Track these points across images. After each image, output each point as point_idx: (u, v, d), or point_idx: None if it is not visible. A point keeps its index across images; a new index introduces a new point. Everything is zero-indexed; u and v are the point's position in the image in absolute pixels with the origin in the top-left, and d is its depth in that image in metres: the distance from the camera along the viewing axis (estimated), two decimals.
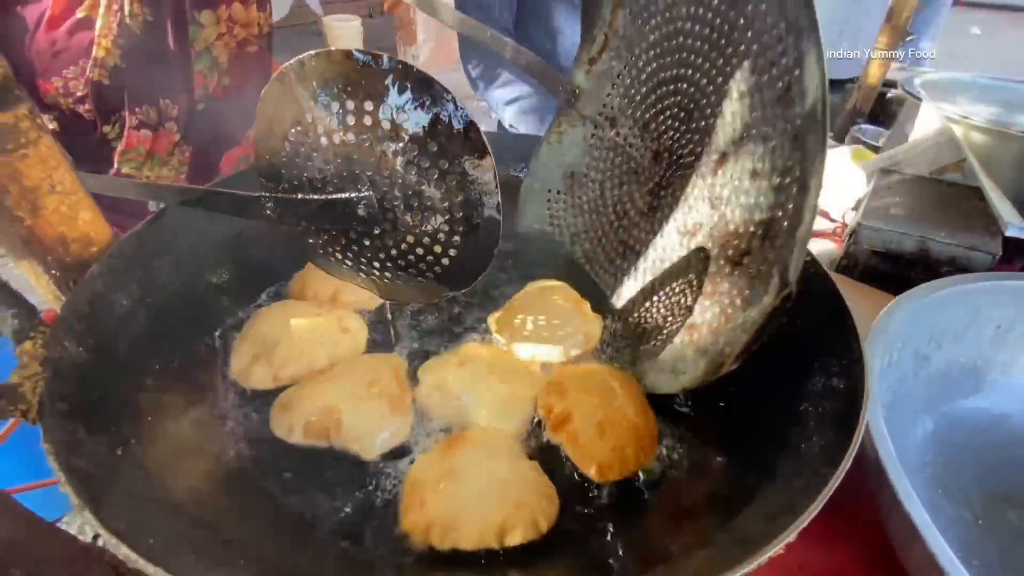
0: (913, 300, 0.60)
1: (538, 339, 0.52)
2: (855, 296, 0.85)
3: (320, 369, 0.40)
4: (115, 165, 0.71)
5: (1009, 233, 0.82)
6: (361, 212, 0.33)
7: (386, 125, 0.32)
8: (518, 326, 0.53)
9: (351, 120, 0.32)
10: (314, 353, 0.40)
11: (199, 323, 0.39)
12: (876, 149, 1.26)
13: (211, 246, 0.42)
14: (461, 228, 0.33)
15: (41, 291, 0.35)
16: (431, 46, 4.46)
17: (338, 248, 0.36)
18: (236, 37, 0.75)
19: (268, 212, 0.35)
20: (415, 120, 0.31)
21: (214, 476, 0.30)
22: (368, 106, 0.32)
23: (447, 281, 0.35)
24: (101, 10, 0.62)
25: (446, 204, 0.32)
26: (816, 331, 0.43)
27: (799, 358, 0.42)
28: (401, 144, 0.32)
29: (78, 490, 0.20)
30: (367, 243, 0.35)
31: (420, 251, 0.35)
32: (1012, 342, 0.65)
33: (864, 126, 1.40)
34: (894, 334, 0.58)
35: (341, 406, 0.36)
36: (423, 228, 0.34)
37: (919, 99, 1.05)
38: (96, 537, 1.19)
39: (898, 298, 0.60)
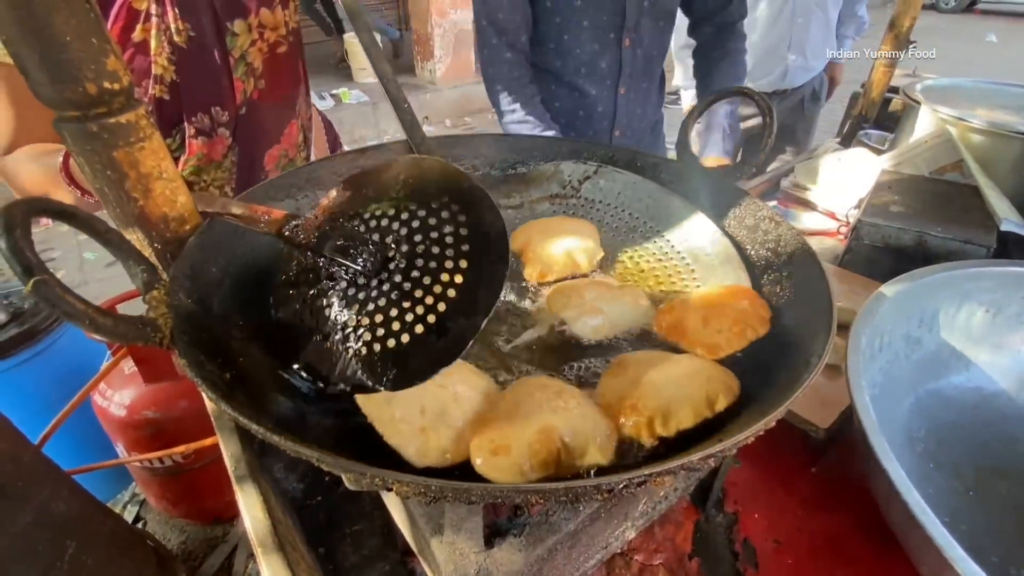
0: (901, 286, 0.65)
1: None
2: (856, 287, 0.90)
3: None
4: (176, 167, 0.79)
5: (1004, 228, 0.86)
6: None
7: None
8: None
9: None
10: None
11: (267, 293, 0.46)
12: (880, 153, 1.31)
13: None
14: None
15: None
16: (448, 61, 4.61)
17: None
18: (267, 41, 0.81)
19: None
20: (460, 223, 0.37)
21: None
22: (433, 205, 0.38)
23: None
24: (153, 31, 0.69)
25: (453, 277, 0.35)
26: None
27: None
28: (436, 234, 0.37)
29: (211, 390, 0.27)
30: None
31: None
32: (1000, 324, 0.69)
33: (870, 131, 1.45)
34: (883, 317, 0.63)
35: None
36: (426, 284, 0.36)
37: (918, 103, 1.09)
38: (138, 520, 1.28)
39: (886, 284, 0.64)
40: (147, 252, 0.41)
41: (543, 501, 0.31)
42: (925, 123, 1.09)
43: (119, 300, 1.35)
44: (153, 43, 0.70)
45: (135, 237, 0.41)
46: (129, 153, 0.38)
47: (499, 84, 1.09)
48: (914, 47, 1.37)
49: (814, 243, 1.05)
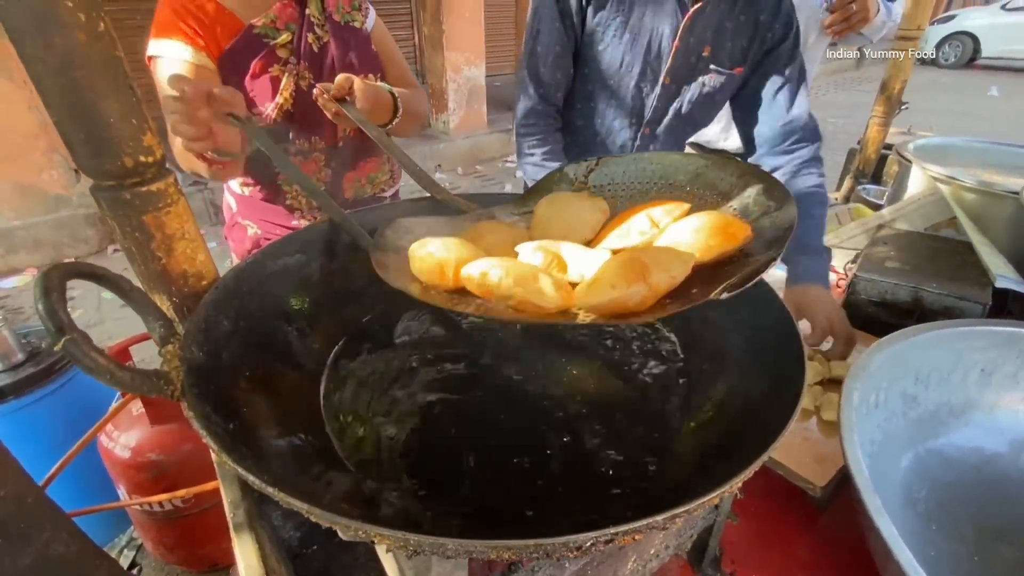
0: (894, 343, 0.66)
1: None
2: (856, 343, 0.91)
3: None
4: (276, 175, 1.03)
5: (999, 285, 0.87)
6: None
7: None
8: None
9: None
10: None
11: (276, 345, 0.49)
12: (878, 207, 1.34)
13: (293, 286, 0.52)
14: None
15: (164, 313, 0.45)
16: (461, 114, 4.83)
17: None
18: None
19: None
20: None
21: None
22: None
23: None
24: (286, 73, 0.94)
25: None
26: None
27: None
28: None
29: (216, 441, 0.29)
30: None
31: None
32: (996, 384, 0.69)
33: (868, 186, 1.49)
34: (876, 374, 0.64)
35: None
36: None
37: (911, 162, 1.13)
38: (133, 566, 1.26)
39: (879, 341, 0.66)
40: (165, 306, 0.44)
41: (516, 557, 0.32)
42: (918, 181, 1.13)
43: (133, 342, 1.39)
44: (284, 80, 0.94)
45: (155, 293, 0.44)
46: (157, 217, 0.41)
47: (526, 130, 1.09)
48: (906, 107, 1.42)
49: None
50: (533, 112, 1.07)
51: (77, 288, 3.03)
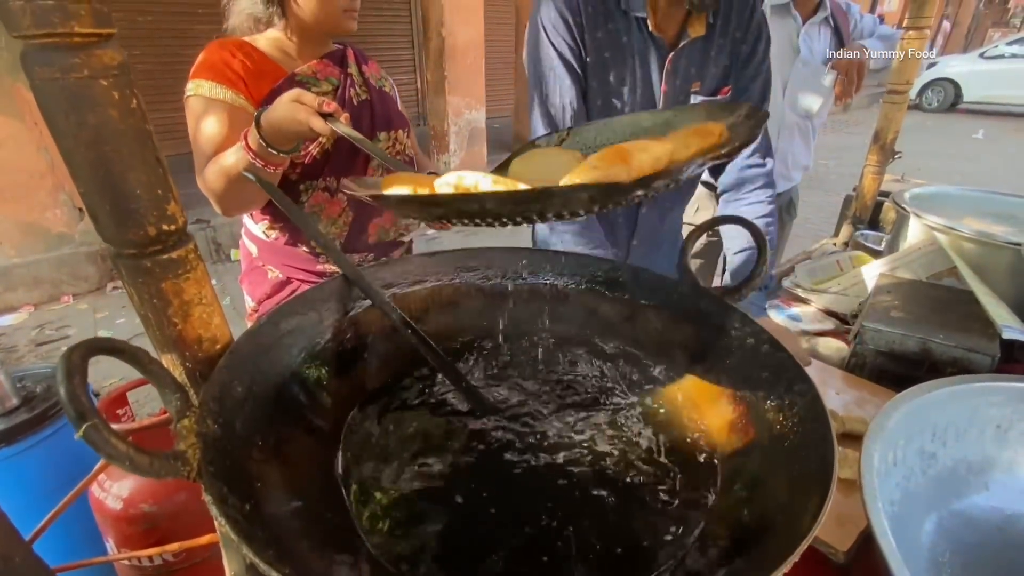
0: (910, 400, 0.65)
1: None
2: (865, 393, 0.90)
3: None
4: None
5: (1006, 336, 0.87)
6: None
7: None
8: None
9: None
10: None
11: (290, 409, 0.48)
12: (877, 253, 1.35)
13: (306, 346, 0.52)
14: None
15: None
16: (461, 155, 4.94)
17: None
18: (396, 150, 1.17)
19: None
20: None
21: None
22: None
23: None
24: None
25: None
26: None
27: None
28: None
29: (235, 529, 0.28)
30: None
31: None
32: (1013, 440, 0.68)
33: (866, 232, 1.51)
34: (893, 432, 0.63)
35: None
36: None
37: (907, 212, 1.15)
38: None
39: (895, 398, 0.65)
40: (178, 371, 0.43)
41: None
42: (916, 230, 1.14)
43: (131, 386, 1.37)
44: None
45: (168, 358, 0.43)
46: (176, 283, 0.41)
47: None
48: (899, 157, 1.46)
49: (819, 345, 1.07)
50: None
51: (73, 325, 3.01)
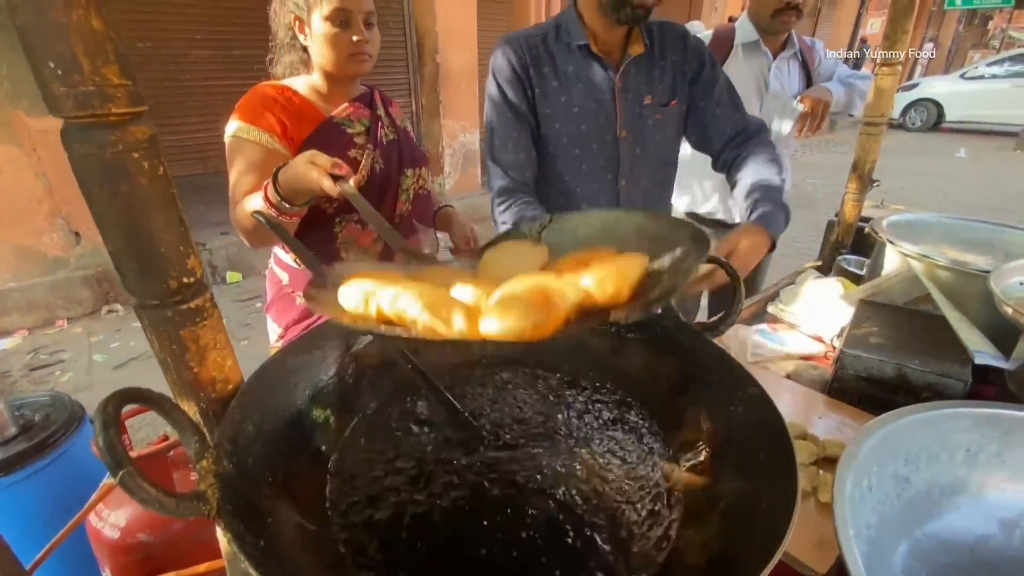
0: (882, 427, 0.69)
1: None
2: (845, 417, 0.94)
3: None
4: (335, 244, 1.17)
5: (978, 361, 0.92)
6: None
7: None
8: None
9: None
10: None
11: (296, 445, 0.51)
12: (859, 278, 1.40)
13: (311, 382, 0.55)
14: None
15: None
16: (456, 176, 5.04)
17: None
18: (419, 184, 1.26)
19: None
20: None
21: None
22: None
23: None
24: (364, 157, 1.14)
25: None
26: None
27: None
28: None
29: (251, 563, 0.30)
30: None
31: None
32: (983, 464, 0.72)
33: (848, 256, 1.56)
34: (867, 458, 0.66)
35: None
36: None
37: (884, 240, 1.20)
38: None
39: (867, 425, 0.68)
40: (193, 411, 0.46)
41: None
42: (893, 258, 1.19)
43: (129, 415, 1.38)
44: (364, 160, 1.15)
45: (185, 399, 0.46)
46: (193, 331, 0.44)
47: (502, 204, 1.17)
48: (877, 185, 1.52)
49: (803, 369, 1.11)
50: (505, 190, 1.18)
51: (68, 349, 3.00)
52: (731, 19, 1.71)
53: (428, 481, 0.53)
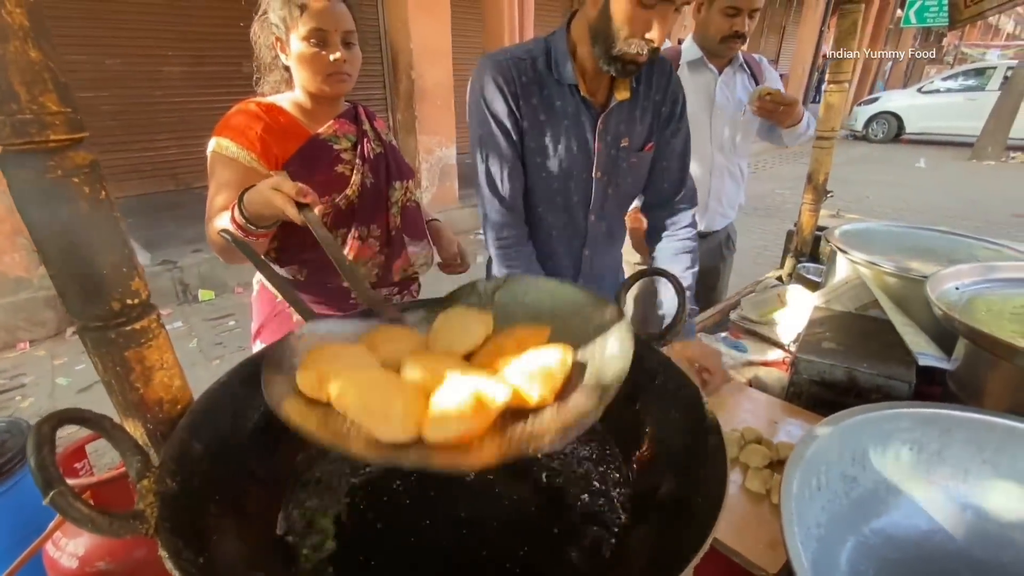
0: (828, 427, 0.72)
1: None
2: (801, 421, 0.97)
3: None
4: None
5: (922, 363, 0.96)
6: None
7: None
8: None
9: None
10: None
11: (248, 464, 0.51)
12: (817, 285, 1.45)
13: (255, 409, 0.55)
14: None
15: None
16: (433, 190, 5.06)
17: None
18: (407, 198, 1.28)
19: None
20: None
21: None
22: None
23: None
24: (353, 173, 1.16)
25: None
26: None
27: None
28: None
29: None
30: None
31: None
32: (925, 461, 0.75)
33: (807, 264, 1.62)
34: (816, 458, 0.69)
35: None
36: None
37: (835, 248, 1.25)
38: None
39: (814, 427, 0.71)
40: (139, 432, 0.46)
41: None
42: (844, 265, 1.24)
43: (91, 439, 1.35)
44: (354, 176, 1.16)
45: (131, 421, 0.46)
46: (138, 351, 0.45)
47: (504, 248, 1.18)
48: (831, 196, 1.58)
49: (763, 375, 1.14)
50: (504, 226, 1.17)
51: (30, 373, 2.90)
52: (680, 41, 1.78)
53: (389, 498, 0.54)
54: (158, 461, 0.42)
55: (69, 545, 1.16)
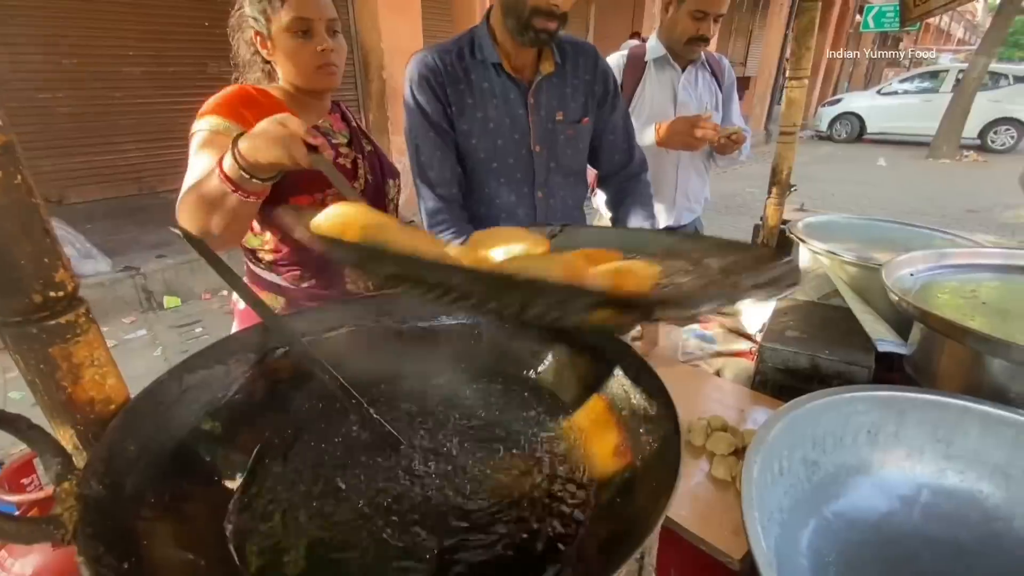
0: (789, 413, 0.72)
1: None
2: (767, 408, 0.98)
3: None
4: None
5: (881, 349, 0.98)
6: None
7: None
8: None
9: None
10: None
11: (189, 465, 0.48)
12: None
13: (211, 399, 0.53)
14: None
15: (63, 442, 0.45)
16: (407, 192, 5.00)
17: None
18: (402, 194, 1.28)
19: None
20: None
21: None
22: None
23: None
24: (361, 167, 1.14)
25: None
26: None
27: None
28: None
29: None
30: None
31: None
32: (882, 443, 0.77)
33: None
34: (775, 443, 0.69)
35: None
36: None
37: (799, 240, 1.28)
38: None
39: (774, 412, 0.72)
40: (68, 435, 0.43)
41: None
42: (806, 256, 1.27)
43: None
44: (359, 171, 1.14)
45: (59, 422, 0.43)
46: (64, 348, 0.42)
47: (438, 227, 1.22)
48: (795, 189, 1.62)
49: (732, 364, 1.15)
50: (438, 211, 1.22)
51: None
52: (643, 39, 1.81)
53: (341, 497, 0.52)
54: (85, 463, 0.39)
55: (16, 565, 1.09)
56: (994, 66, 9.57)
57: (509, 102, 1.20)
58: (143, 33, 4.96)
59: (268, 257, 1.16)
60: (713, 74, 1.76)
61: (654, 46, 1.71)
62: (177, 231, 0.70)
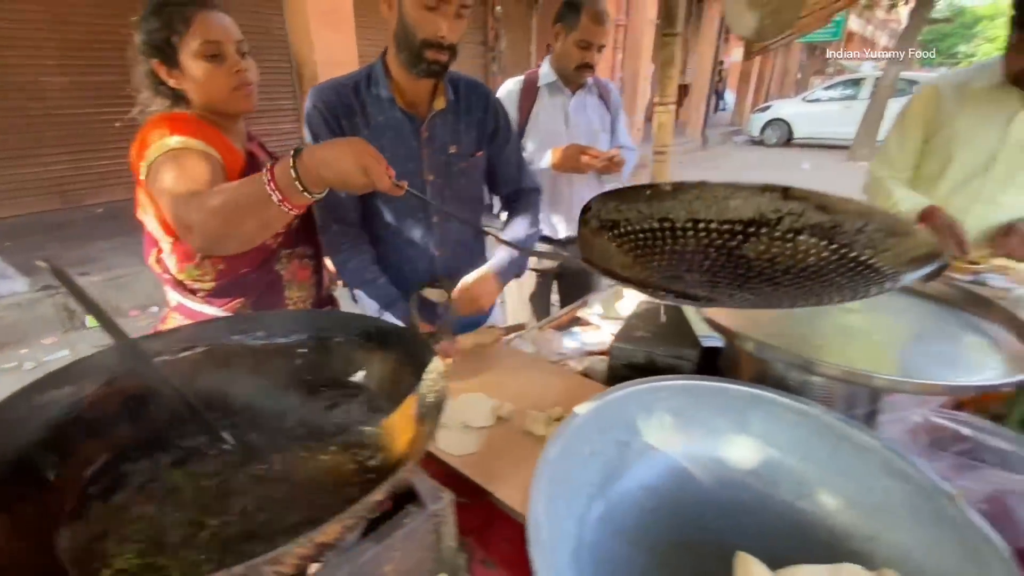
0: (598, 402, 0.86)
1: None
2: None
3: None
4: (280, 284, 1.26)
5: (705, 344, 1.15)
6: None
7: None
8: None
9: None
10: None
11: (25, 484, 0.56)
12: None
13: (56, 420, 0.59)
14: None
15: None
16: None
17: None
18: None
19: None
20: None
21: None
22: None
23: None
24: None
25: None
26: None
27: None
28: None
29: None
30: None
31: None
32: (683, 423, 0.91)
33: None
34: (584, 427, 0.83)
35: None
36: None
37: None
38: None
39: (587, 401, 0.86)
40: None
41: None
42: None
43: None
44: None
45: None
46: None
47: (334, 251, 1.32)
48: None
49: (595, 363, 1.29)
50: (337, 234, 1.31)
51: None
52: (538, 65, 1.96)
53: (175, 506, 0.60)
54: None
55: None
56: (906, 74, 10.41)
57: (403, 135, 1.28)
58: (64, 42, 4.79)
59: (206, 287, 1.15)
60: (601, 97, 1.93)
61: (546, 72, 1.86)
62: (43, 264, 0.77)
